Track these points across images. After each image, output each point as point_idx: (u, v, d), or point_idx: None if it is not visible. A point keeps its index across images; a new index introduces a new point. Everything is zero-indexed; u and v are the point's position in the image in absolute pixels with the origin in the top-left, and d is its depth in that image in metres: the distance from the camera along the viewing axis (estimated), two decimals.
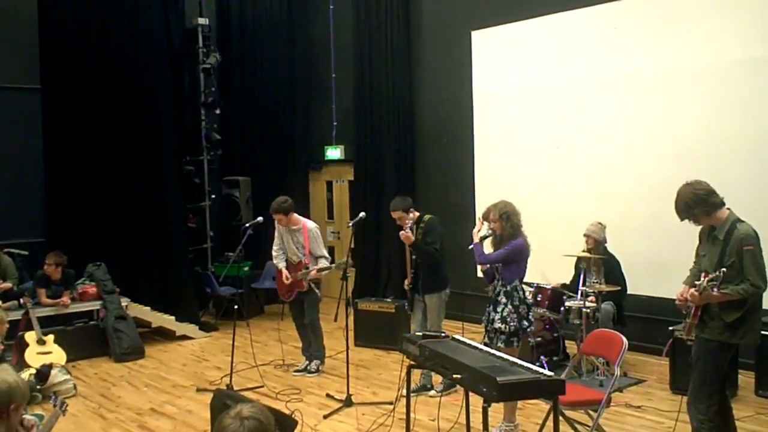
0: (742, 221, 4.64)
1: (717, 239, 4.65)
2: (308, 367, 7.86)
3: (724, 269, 4.36)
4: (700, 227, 4.86)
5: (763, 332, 6.46)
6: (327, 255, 7.72)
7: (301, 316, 7.85)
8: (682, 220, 4.76)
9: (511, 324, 5.77)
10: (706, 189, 4.66)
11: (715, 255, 4.63)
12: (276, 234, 7.84)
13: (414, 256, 6.91)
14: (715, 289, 4.36)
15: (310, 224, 7.71)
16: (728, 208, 4.69)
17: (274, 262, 7.92)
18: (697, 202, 4.60)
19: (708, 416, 4.59)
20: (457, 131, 10.34)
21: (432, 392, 6.97)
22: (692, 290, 4.60)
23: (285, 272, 7.70)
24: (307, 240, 7.57)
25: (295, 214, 7.69)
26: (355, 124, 11.64)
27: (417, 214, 7.03)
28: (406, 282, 7.06)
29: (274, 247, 7.87)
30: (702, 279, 4.57)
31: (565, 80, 9.00)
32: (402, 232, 6.66)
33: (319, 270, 7.56)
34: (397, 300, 8.87)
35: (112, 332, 8.78)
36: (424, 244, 6.76)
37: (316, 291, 7.70)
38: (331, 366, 8.13)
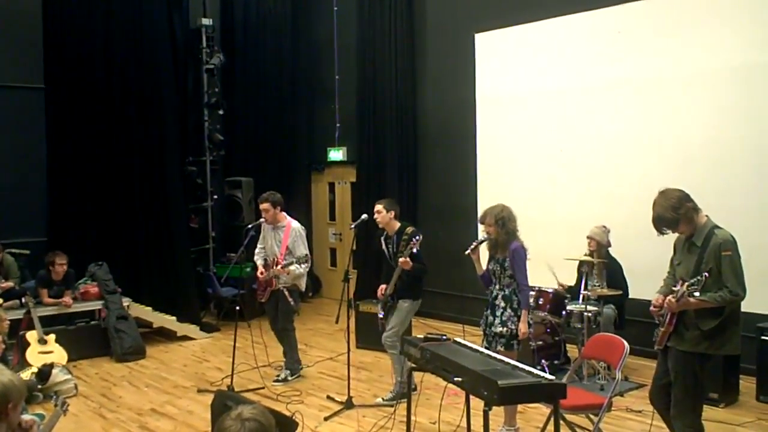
0: (720, 227, 4.53)
1: (694, 246, 4.56)
2: (278, 377, 7.72)
3: (705, 273, 4.28)
4: (676, 237, 4.78)
5: (763, 337, 6.54)
6: (307, 257, 7.49)
7: (276, 320, 7.74)
8: (662, 229, 4.60)
9: (512, 328, 5.77)
10: (684, 192, 4.57)
11: (692, 262, 4.54)
12: (262, 232, 7.76)
13: (400, 273, 6.84)
14: (697, 293, 4.29)
15: (295, 224, 7.58)
16: (706, 215, 4.60)
17: (255, 259, 7.83)
18: (682, 201, 4.49)
19: (695, 428, 4.56)
20: (460, 134, 10.34)
21: (377, 400, 6.95)
22: (669, 297, 4.51)
23: (260, 268, 7.62)
24: (287, 237, 7.45)
25: (284, 213, 7.61)
26: (357, 125, 11.65)
27: (398, 225, 6.93)
28: (383, 290, 6.93)
29: (258, 246, 7.80)
30: (679, 286, 4.49)
31: (568, 84, 9.00)
32: (402, 259, 6.55)
33: (284, 266, 7.33)
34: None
35: (113, 332, 8.78)
36: (417, 265, 6.70)
37: (290, 300, 7.50)
38: (332, 368, 8.13)
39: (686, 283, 4.34)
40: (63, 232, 9.43)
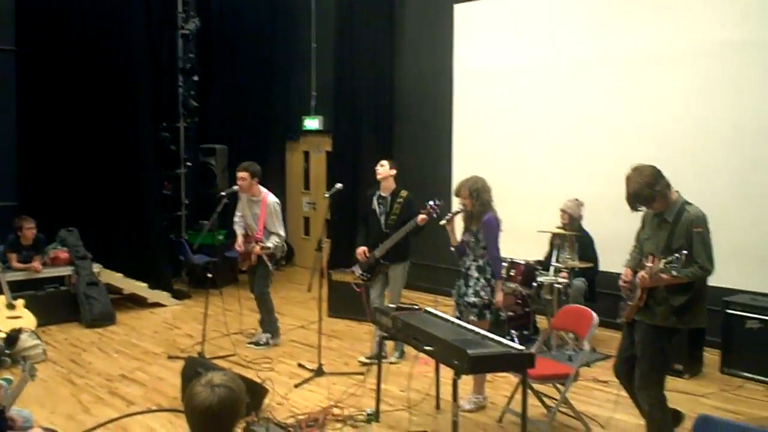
0: (691, 204, 4.56)
1: (665, 222, 4.58)
2: (258, 340, 7.81)
3: (685, 252, 4.32)
4: (645, 211, 4.81)
5: (727, 311, 6.66)
6: (282, 233, 7.60)
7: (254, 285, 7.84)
8: (637, 206, 4.60)
9: (485, 297, 5.82)
10: (657, 168, 4.57)
11: (662, 238, 4.57)
12: (239, 202, 7.77)
13: (388, 230, 6.91)
14: (674, 272, 4.33)
15: (271, 198, 7.59)
16: (676, 191, 4.62)
17: (234, 228, 7.86)
18: (657, 177, 4.50)
19: (659, 398, 4.63)
20: (437, 105, 10.32)
21: (392, 358, 7.06)
22: (642, 273, 4.54)
23: (240, 240, 7.68)
24: (263, 213, 7.49)
25: (260, 186, 7.59)
26: (334, 95, 11.57)
27: (394, 185, 7.06)
28: (368, 253, 6.98)
29: (236, 214, 7.82)
30: (650, 262, 4.53)
31: (544, 58, 9.00)
32: (422, 216, 6.57)
33: (262, 248, 7.43)
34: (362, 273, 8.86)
35: (83, 298, 8.72)
36: (417, 229, 6.75)
37: (268, 264, 7.57)
38: (304, 336, 8.16)
39: (664, 261, 4.36)
40: (33, 196, 9.32)
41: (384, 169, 7.01)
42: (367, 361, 7.01)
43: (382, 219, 6.99)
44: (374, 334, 7.04)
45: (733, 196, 7.30)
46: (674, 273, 4.29)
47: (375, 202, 7.09)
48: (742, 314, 6.66)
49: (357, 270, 7.15)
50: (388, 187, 7.05)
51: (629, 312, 4.71)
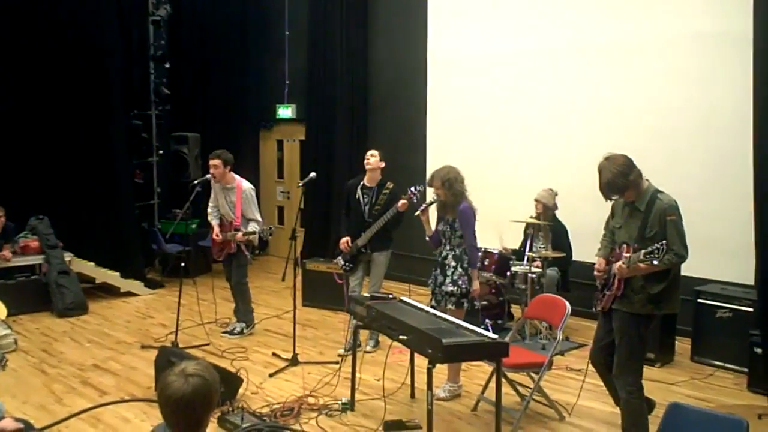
0: (662, 192, 4.60)
1: (637, 210, 4.61)
2: (233, 330, 7.79)
3: (665, 242, 4.36)
4: (611, 201, 4.83)
5: (699, 300, 6.74)
6: (259, 218, 7.57)
7: (231, 275, 7.81)
8: (610, 195, 4.63)
9: (462, 286, 5.83)
10: (628, 157, 4.59)
11: (635, 227, 4.60)
12: (212, 192, 7.72)
13: (371, 220, 6.92)
14: (655, 261, 4.37)
15: (245, 185, 7.55)
16: (647, 180, 4.64)
17: (209, 219, 7.81)
18: (630, 167, 4.52)
19: (636, 386, 4.68)
20: (411, 93, 10.32)
21: (367, 347, 7.12)
22: (620, 263, 4.57)
23: (216, 229, 7.62)
24: (239, 201, 7.45)
25: (233, 173, 7.52)
26: (307, 83, 11.52)
27: (380, 177, 7.07)
28: (350, 243, 7.02)
29: (210, 205, 7.77)
30: (625, 252, 4.56)
31: (519, 47, 9.02)
32: (403, 201, 6.66)
33: (245, 234, 7.38)
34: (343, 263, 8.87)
35: (54, 287, 8.63)
36: (399, 216, 6.81)
37: (246, 253, 7.56)
38: (278, 325, 8.14)
39: (644, 252, 4.38)
40: (2, 184, 9.16)
41: (375, 159, 7.03)
42: (346, 353, 6.97)
43: (366, 209, 7.00)
44: (349, 324, 7.05)
45: (705, 186, 7.37)
46: (655, 263, 4.33)
47: (359, 191, 7.09)
48: (713, 303, 6.74)
49: (340, 261, 7.17)
50: (374, 178, 7.05)
51: (606, 301, 4.74)
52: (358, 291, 6.99)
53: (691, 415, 3.85)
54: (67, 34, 9.47)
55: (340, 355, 6.93)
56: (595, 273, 4.85)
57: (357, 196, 7.10)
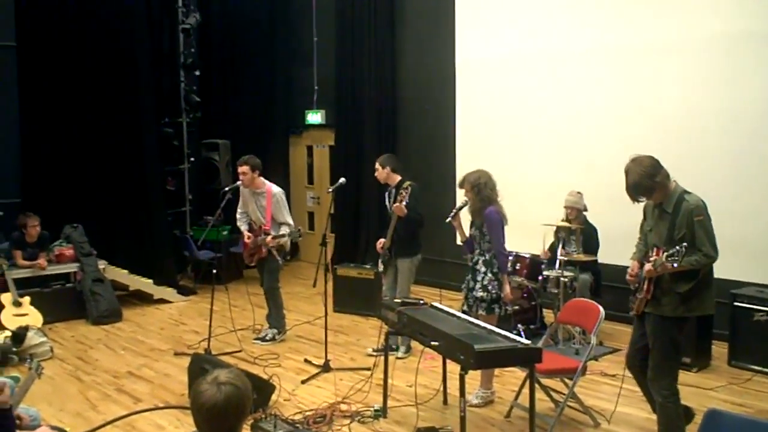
0: (689, 192, 4.55)
1: (665, 213, 4.57)
2: (265, 336, 7.81)
3: (685, 244, 4.30)
4: (645, 202, 4.78)
5: (735, 303, 6.63)
6: (291, 222, 7.55)
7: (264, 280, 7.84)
8: (638, 197, 4.59)
9: (492, 292, 5.79)
10: (655, 158, 4.56)
11: (664, 229, 4.56)
12: (240, 198, 7.75)
13: (395, 223, 6.93)
14: (676, 264, 4.32)
15: (275, 189, 7.56)
16: (674, 181, 4.60)
17: (238, 224, 7.84)
18: (657, 168, 4.49)
19: (671, 390, 4.62)
20: (440, 98, 10.29)
21: (399, 353, 7.10)
22: (648, 266, 4.54)
23: (246, 233, 7.63)
24: (270, 204, 7.45)
25: (262, 178, 7.54)
26: (336, 88, 11.54)
27: (399, 178, 7.10)
28: (383, 244, 7.06)
29: (239, 211, 7.80)
30: (655, 255, 4.52)
31: (547, 50, 8.95)
32: (396, 205, 6.71)
33: (275, 238, 7.39)
34: (376, 266, 8.87)
35: (89, 295, 8.72)
36: (411, 214, 6.78)
37: (277, 258, 7.56)
38: (310, 331, 8.15)
39: (665, 254, 4.36)
40: (37, 193, 9.31)
41: (378, 172, 7.20)
42: (374, 353, 7.01)
43: (390, 211, 7.03)
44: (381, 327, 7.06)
45: (736, 187, 7.25)
46: (675, 265, 4.29)
47: (387, 196, 7.21)
48: (750, 306, 6.63)
49: (379, 262, 7.26)
50: (393, 181, 7.14)
51: (639, 304, 4.70)
52: (389, 295, 6.99)
53: (730, 422, 3.77)
54: (98, 44, 9.60)
55: (368, 354, 6.96)
56: (628, 277, 4.80)
57: (386, 201, 7.21)
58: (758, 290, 6.76)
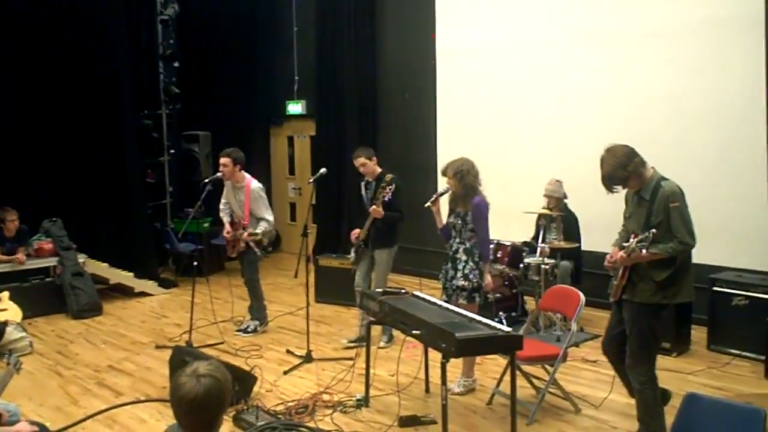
0: (666, 179, 4.55)
1: (643, 199, 4.58)
2: (246, 327, 7.81)
3: (653, 230, 4.31)
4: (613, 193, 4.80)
5: (714, 288, 6.68)
6: (269, 218, 7.50)
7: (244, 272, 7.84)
8: (612, 187, 4.59)
9: (473, 281, 5.80)
10: (630, 147, 4.56)
11: (642, 215, 4.57)
12: (224, 189, 7.74)
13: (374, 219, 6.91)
14: (644, 250, 4.34)
15: (254, 184, 7.52)
16: (652, 167, 4.60)
17: (220, 215, 7.83)
18: (630, 157, 4.48)
19: (648, 376, 4.64)
20: (421, 86, 10.28)
21: (381, 343, 7.10)
22: (621, 252, 4.55)
23: (227, 227, 7.63)
24: (248, 199, 7.44)
25: (243, 172, 7.51)
26: (317, 78, 11.51)
27: (379, 170, 7.07)
28: (357, 234, 7.05)
29: (222, 201, 7.80)
30: (631, 241, 4.52)
31: (528, 37, 8.96)
32: (373, 208, 6.69)
33: (250, 234, 7.36)
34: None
35: (69, 289, 8.66)
36: (390, 214, 6.78)
37: (256, 250, 7.54)
38: (292, 322, 8.14)
39: (635, 240, 4.38)
40: (15, 187, 9.19)
41: (367, 167, 7.10)
42: (351, 344, 7.04)
43: (368, 203, 7.01)
44: (360, 317, 7.08)
45: (718, 173, 7.30)
46: (644, 252, 4.31)
47: (363, 187, 7.16)
48: (729, 291, 6.68)
49: (352, 252, 7.21)
50: (371, 173, 7.09)
51: (615, 291, 4.71)
52: (362, 286, 7.03)
53: (708, 405, 3.82)
54: (75, 35, 9.50)
55: (344, 346, 7.00)
56: (606, 263, 4.82)
57: (362, 192, 7.17)
58: (737, 275, 6.82)
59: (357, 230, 7.09)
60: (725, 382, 6.05)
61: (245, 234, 7.38)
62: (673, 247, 4.40)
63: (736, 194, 7.19)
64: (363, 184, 7.18)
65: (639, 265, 4.54)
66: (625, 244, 4.52)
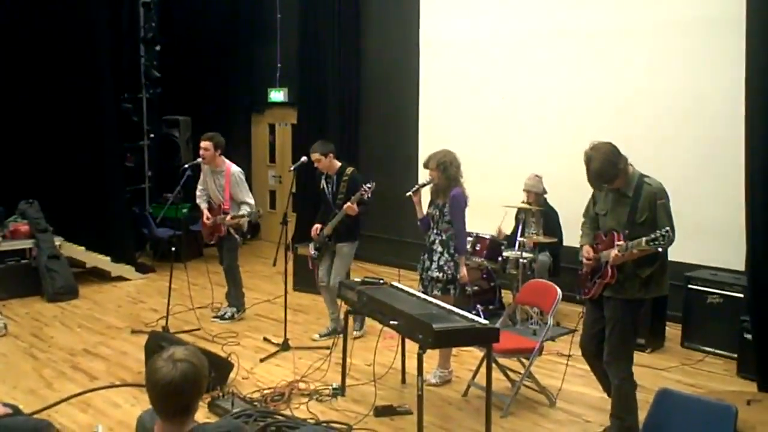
0: (648, 176, 4.60)
1: (624, 197, 4.59)
2: (224, 314, 7.78)
3: (667, 228, 4.33)
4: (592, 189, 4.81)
5: (689, 286, 6.75)
6: (250, 201, 7.48)
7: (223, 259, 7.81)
8: (600, 184, 4.63)
9: (448, 272, 5.81)
10: (614, 144, 4.56)
11: (623, 213, 4.59)
12: (201, 174, 7.69)
13: (337, 210, 6.80)
14: (660, 248, 4.37)
15: (234, 168, 7.49)
16: (631, 165, 4.62)
17: (197, 202, 7.78)
18: (618, 155, 4.50)
19: (627, 372, 4.68)
20: (403, 77, 10.27)
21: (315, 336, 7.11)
22: (614, 252, 4.53)
23: (206, 213, 7.58)
24: (228, 184, 7.40)
25: (223, 157, 7.47)
26: (299, 66, 11.45)
27: (338, 164, 6.96)
28: (318, 230, 6.94)
29: (198, 188, 7.75)
30: (618, 239, 4.52)
31: (511, 32, 8.98)
32: (348, 205, 6.56)
33: (234, 217, 7.36)
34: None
35: (44, 271, 8.59)
36: (363, 209, 6.70)
37: (236, 236, 7.54)
38: (269, 310, 8.13)
39: (646, 239, 4.35)
40: None
41: (322, 163, 6.88)
42: (320, 339, 7.02)
43: (330, 198, 6.94)
44: (329, 311, 7.09)
45: (695, 173, 7.37)
46: (660, 250, 4.33)
47: (323, 182, 7.04)
48: (703, 289, 6.76)
49: (311, 247, 7.11)
50: (333, 168, 6.94)
51: (597, 289, 4.72)
52: (326, 281, 6.97)
53: (681, 401, 3.87)
54: (55, 16, 9.34)
55: (314, 340, 6.98)
56: (585, 261, 4.82)
57: (321, 186, 7.05)
58: (712, 273, 6.90)
59: (317, 225, 6.99)
60: (698, 379, 6.13)
61: (228, 218, 7.34)
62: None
63: (713, 193, 7.26)
64: (323, 177, 7.02)
65: (626, 264, 4.57)
66: (619, 243, 4.52)
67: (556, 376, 6.07)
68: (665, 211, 4.49)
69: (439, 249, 5.87)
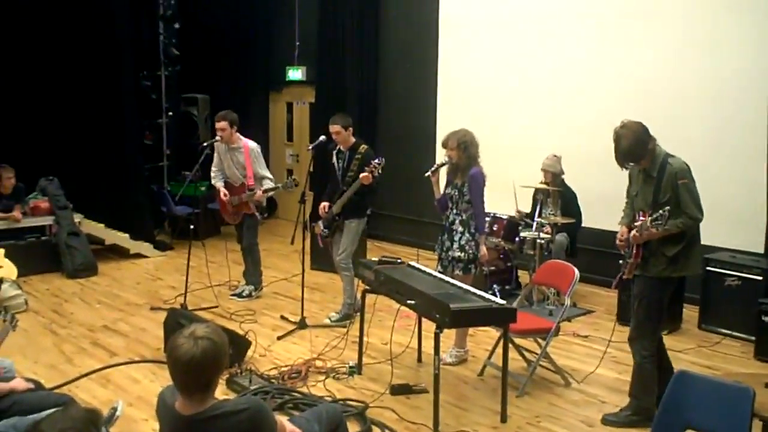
0: (673, 156, 4.60)
1: (650, 177, 4.61)
2: (241, 292, 7.82)
3: (668, 208, 4.36)
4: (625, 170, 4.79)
5: (707, 268, 6.71)
6: (270, 175, 7.53)
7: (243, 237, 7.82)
8: (627, 163, 4.63)
9: (470, 252, 5.81)
10: (643, 124, 4.58)
11: (650, 193, 4.61)
12: (215, 154, 7.67)
13: (345, 187, 6.78)
14: (659, 228, 4.38)
15: (252, 144, 7.48)
16: (657, 144, 4.63)
17: (213, 182, 7.77)
18: (648, 135, 4.52)
19: (651, 351, 4.69)
20: (422, 56, 10.21)
21: (326, 320, 7.01)
22: (633, 232, 4.59)
23: (223, 190, 7.56)
24: (249, 160, 7.39)
25: (238, 133, 7.46)
26: (318, 45, 11.41)
27: (353, 140, 6.90)
28: (327, 208, 6.90)
29: (213, 168, 7.73)
30: (641, 219, 4.56)
31: (532, 9, 8.90)
32: (365, 174, 6.49)
33: (265, 191, 7.38)
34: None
35: (64, 248, 8.67)
36: (373, 184, 6.66)
37: (256, 214, 7.55)
38: (286, 288, 8.17)
39: (650, 218, 4.40)
40: (13, 145, 9.15)
41: (342, 136, 6.80)
42: (332, 324, 6.90)
43: (340, 175, 6.90)
44: (343, 291, 7.04)
45: (715, 153, 7.30)
46: (659, 229, 4.34)
47: (335, 156, 6.97)
48: (722, 272, 6.72)
49: (320, 225, 7.09)
50: (344, 142, 6.86)
51: (630, 269, 4.74)
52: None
53: (698, 383, 3.85)
54: None
55: (328, 326, 6.90)
56: (618, 242, 4.83)
57: (333, 161, 6.98)
58: (731, 256, 6.86)
59: (325, 203, 6.94)
60: (715, 361, 6.11)
61: (259, 193, 7.34)
62: (684, 222, 4.48)
63: (734, 175, 7.20)
64: (335, 152, 6.95)
65: (650, 242, 4.58)
66: (636, 224, 4.54)
67: (572, 356, 6.09)
68: (687, 190, 4.49)
69: (460, 229, 5.86)
